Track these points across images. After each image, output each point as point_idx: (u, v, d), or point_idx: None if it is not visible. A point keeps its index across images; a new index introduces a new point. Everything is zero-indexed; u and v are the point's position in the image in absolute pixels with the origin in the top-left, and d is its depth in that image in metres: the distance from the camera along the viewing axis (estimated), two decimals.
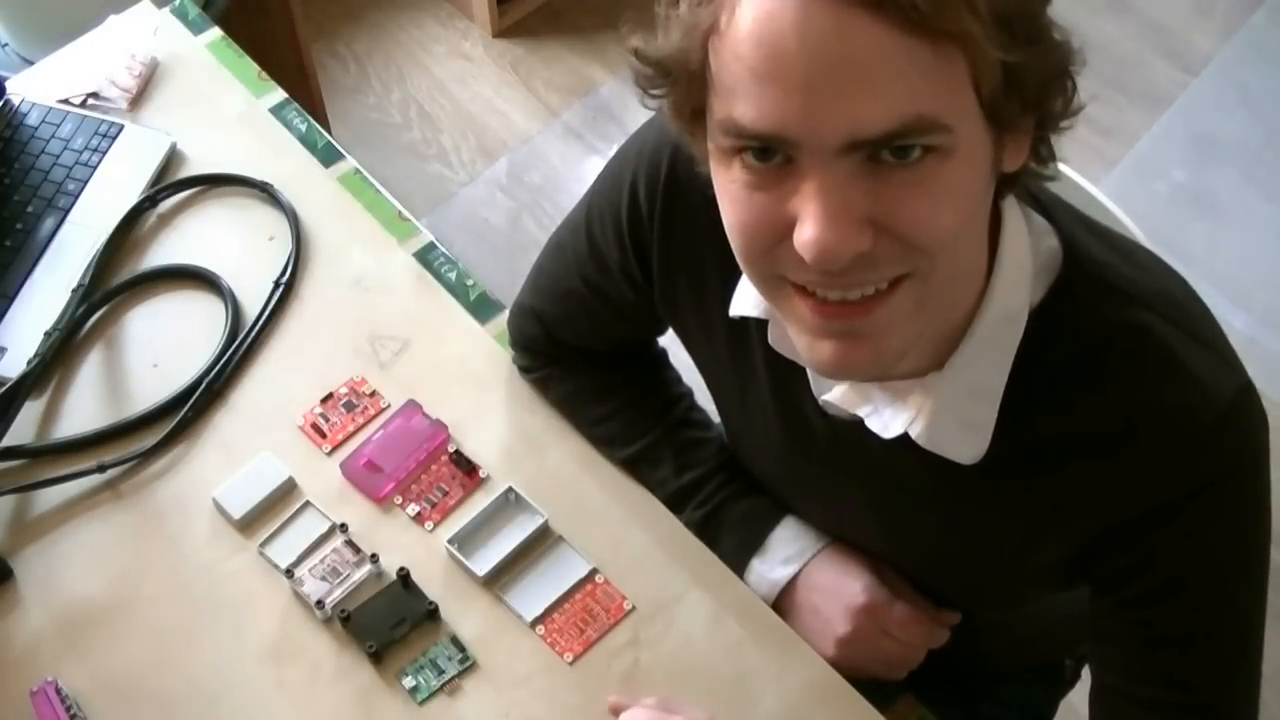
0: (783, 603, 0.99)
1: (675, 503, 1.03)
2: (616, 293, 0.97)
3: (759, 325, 0.85)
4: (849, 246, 0.63)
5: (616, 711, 0.93)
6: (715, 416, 1.05)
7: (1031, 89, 0.65)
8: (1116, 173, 2.28)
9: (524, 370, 1.11)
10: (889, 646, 0.95)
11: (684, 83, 0.68)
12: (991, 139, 0.66)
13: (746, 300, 0.84)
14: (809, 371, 0.85)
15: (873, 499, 0.90)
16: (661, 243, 0.90)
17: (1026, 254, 0.76)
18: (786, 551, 0.98)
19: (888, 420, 0.81)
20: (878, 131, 0.61)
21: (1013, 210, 0.75)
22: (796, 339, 0.72)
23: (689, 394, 1.08)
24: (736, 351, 0.90)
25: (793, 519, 0.99)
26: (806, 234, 0.63)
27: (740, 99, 0.63)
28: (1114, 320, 0.76)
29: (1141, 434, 0.76)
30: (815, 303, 0.68)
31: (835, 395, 0.83)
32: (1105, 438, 0.76)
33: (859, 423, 0.82)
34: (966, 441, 0.79)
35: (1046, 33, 0.65)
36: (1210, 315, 0.80)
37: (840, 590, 0.95)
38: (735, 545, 1.00)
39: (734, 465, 1.03)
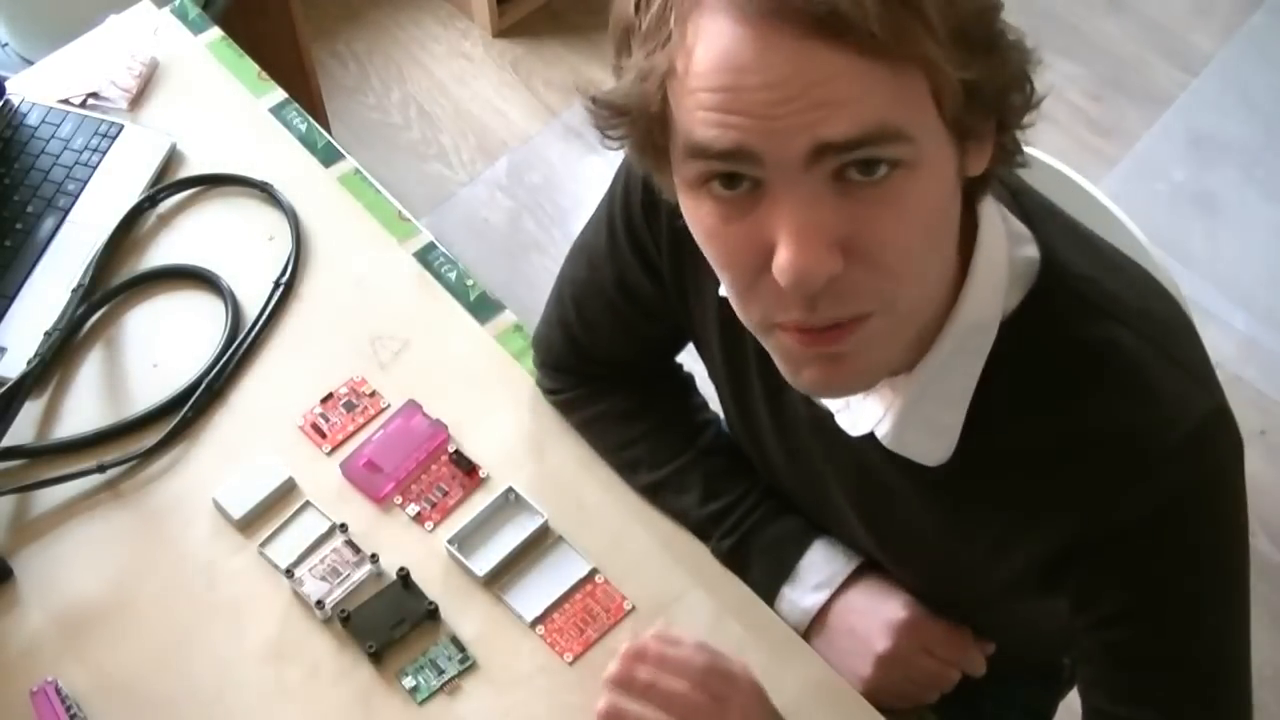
0: (814, 629, 0.98)
1: (702, 530, 1.02)
2: (638, 284, 0.95)
3: None
4: (824, 267, 0.63)
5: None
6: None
7: (990, 96, 0.65)
8: (1116, 173, 2.28)
9: (551, 393, 1.09)
10: (927, 665, 0.95)
11: (643, 123, 0.67)
12: (954, 148, 0.66)
13: None
14: None
15: (849, 490, 0.90)
16: (673, 227, 0.88)
17: (1002, 262, 0.75)
18: (817, 578, 0.97)
19: (856, 417, 0.81)
20: (841, 136, 0.61)
21: (990, 216, 0.75)
22: (784, 368, 0.72)
23: (717, 420, 1.07)
24: (728, 341, 0.91)
25: (822, 543, 0.98)
26: (782, 258, 0.63)
27: (700, 125, 0.63)
28: (1085, 335, 0.75)
29: (1098, 451, 0.75)
30: (800, 333, 0.68)
31: None
32: (1063, 452, 0.76)
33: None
34: (931, 445, 0.79)
35: (1001, 39, 0.65)
36: (1193, 336, 0.79)
37: (879, 608, 0.95)
38: (765, 573, 0.99)
39: (762, 491, 1.01)
